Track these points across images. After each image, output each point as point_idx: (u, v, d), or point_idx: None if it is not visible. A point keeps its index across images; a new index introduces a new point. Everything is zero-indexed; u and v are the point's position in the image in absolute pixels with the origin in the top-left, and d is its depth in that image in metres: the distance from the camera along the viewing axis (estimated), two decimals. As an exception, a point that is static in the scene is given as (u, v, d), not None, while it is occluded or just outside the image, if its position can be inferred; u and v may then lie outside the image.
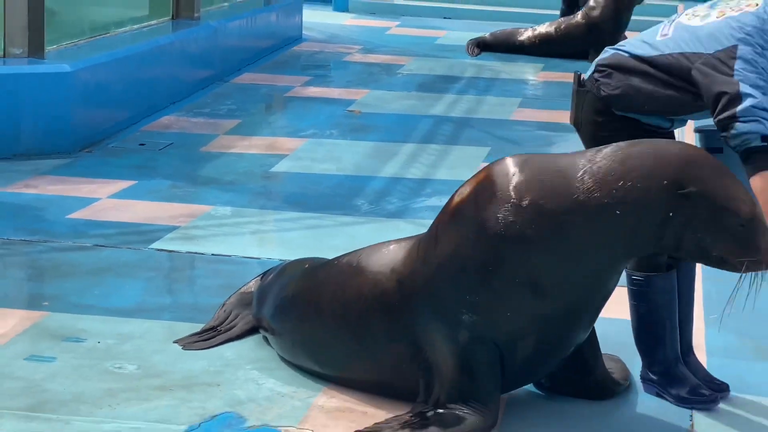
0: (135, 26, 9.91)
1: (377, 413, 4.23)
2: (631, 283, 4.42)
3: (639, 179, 3.84)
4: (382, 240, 4.55)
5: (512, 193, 3.96)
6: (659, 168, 3.86)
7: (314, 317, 4.46)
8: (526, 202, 3.93)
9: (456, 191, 4.17)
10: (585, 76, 4.42)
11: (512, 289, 3.97)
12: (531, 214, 3.92)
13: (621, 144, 3.96)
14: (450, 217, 4.13)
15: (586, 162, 3.93)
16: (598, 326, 4.33)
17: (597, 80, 4.35)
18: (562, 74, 11.66)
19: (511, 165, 4.03)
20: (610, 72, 4.32)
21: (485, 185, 4.05)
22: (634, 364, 4.61)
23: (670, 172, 3.84)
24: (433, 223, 4.23)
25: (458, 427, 4.00)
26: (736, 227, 3.80)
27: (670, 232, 3.85)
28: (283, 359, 4.66)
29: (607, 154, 3.94)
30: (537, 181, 3.96)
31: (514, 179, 3.98)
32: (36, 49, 8.01)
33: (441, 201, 6.99)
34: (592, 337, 4.34)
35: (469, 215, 4.05)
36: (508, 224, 3.94)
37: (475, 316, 4.00)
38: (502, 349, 4.05)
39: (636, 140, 4.01)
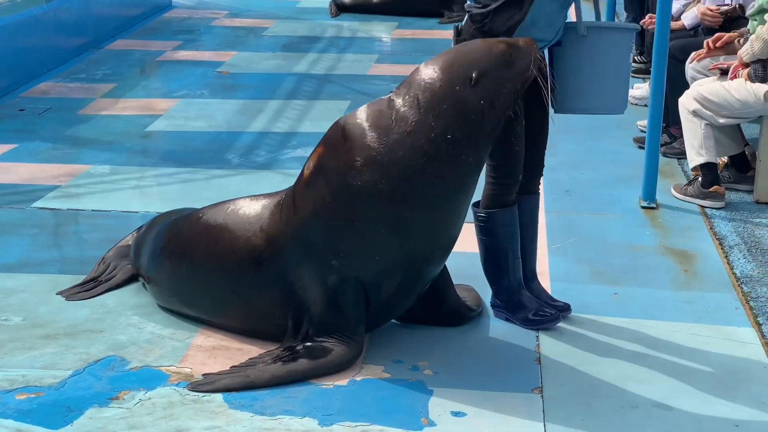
0: (9, -2, 9.59)
1: (252, 349, 4.20)
2: (477, 219, 4.46)
3: (448, 99, 3.90)
4: (254, 190, 4.48)
5: (352, 152, 3.96)
6: (452, 78, 3.92)
7: (188, 268, 4.40)
8: (365, 156, 3.93)
9: (311, 153, 4.15)
10: (460, 25, 4.38)
11: (374, 236, 3.97)
12: (374, 167, 3.92)
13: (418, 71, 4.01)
14: (306, 178, 4.11)
15: (397, 100, 3.98)
16: (454, 259, 4.37)
17: (476, 18, 4.29)
18: (415, 31, 11.67)
19: (348, 124, 4.02)
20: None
21: (330, 147, 4.04)
22: (486, 294, 4.66)
23: (461, 75, 3.92)
24: (294, 184, 4.21)
25: (326, 358, 4.00)
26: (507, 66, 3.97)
27: (490, 119, 3.94)
28: (160, 306, 4.59)
29: (410, 82, 3.99)
30: (368, 134, 3.95)
31: (351, 139, 3.97)
32: None
33: (306, 152, 7.01)
34: (443, 269, 4.37)
35: (322, 176, 4.04)
36: (357, 179, 3.94)
37: (343, 261, 4.00)
38: (368, 288, 4.06)
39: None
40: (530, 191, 4.56)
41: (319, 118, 7.96)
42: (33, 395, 3.83)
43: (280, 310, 4.16)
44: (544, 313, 4.46)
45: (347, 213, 3.96)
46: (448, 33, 11.59)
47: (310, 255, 4.05)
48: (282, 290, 4.13)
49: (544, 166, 4.60)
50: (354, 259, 4.01)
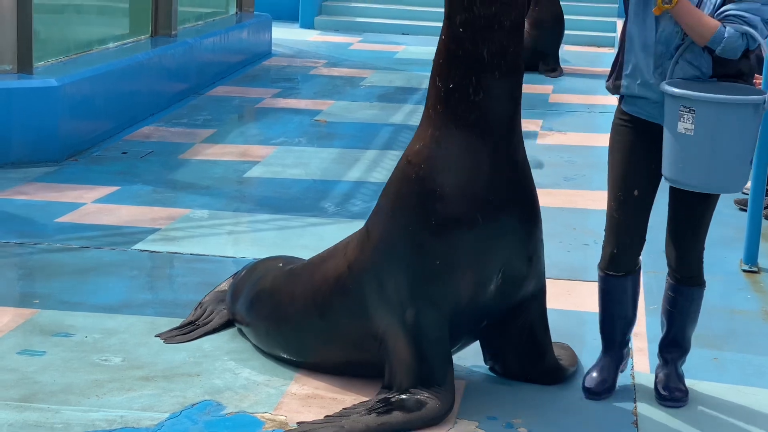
0: (117, 43, 9.83)
1: (346, 399, 4.21)
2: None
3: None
4: (348, 239, 4.53)
5: (424, 186, 4.06)
6: None
7: (288, 304, 4.46)
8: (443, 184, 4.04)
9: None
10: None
11: (446, 266, 3.99)
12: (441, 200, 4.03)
13: None
14: (378, 207, 4.25)
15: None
16: (551, 317, 4.33)
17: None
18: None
19: (414, 158, 4.11)
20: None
21: (400, 181, 4.15)
22: (582, 352, 4.61)
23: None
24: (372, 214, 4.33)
25: (419, 412, 3.99)
26: None
27: None
28: (257, 349, 4.63)
29: None
30: (438, 172, 4.06)
31: (420, 172, 4.10)
32: (25, 65, 7.92)
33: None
34: (544, 325, 4.34)
35: (393, 208, 4.15)
36: (427, 212, 4.01)
37: (416, 295, 4.02)
38: (448, 319, 4.08)
39: None
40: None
41: (414, 170, 7.99)
42: (131, 436, 3.89)
43: (371, 342, 4.17)
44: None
45: (424, 241, 3.99)
46: (543, 87, 11.59)
47: (382, 288, 4.10)
48: (369, 319, 4.16)
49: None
50: (432, 289, 4.02)
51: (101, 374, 4.38)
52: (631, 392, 4.39)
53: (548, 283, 4.45)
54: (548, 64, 12.40)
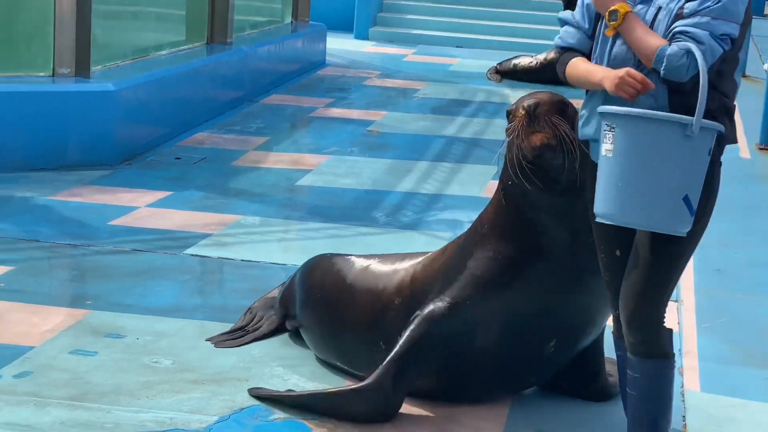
0: (173, 49, 9.95)
1: (393, 408, 4.21)
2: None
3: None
4: (399, 249, 4.54)
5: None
6: None
7: (340, 313, 4.51)
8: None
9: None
10: None
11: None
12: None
13: None
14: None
15: None
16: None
17: None
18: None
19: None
20: None
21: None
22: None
23: None
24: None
25: (345, 387, 4.20)
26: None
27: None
28: (314, 354, 4.67)
29: None
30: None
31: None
32: (82, 70, 8.03)
33: (452, 215, 7.07)
34: (599, 349, 4.35)
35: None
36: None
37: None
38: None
39: None
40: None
41: (466, 182, 8.01)
42: (180, 438, 3.93)
43: None
44: None
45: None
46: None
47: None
48: None
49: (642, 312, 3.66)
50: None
51: (151, 376, 4.43)
52: (681, 410, 4.37)
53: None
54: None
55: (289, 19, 13.32)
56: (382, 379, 4.07)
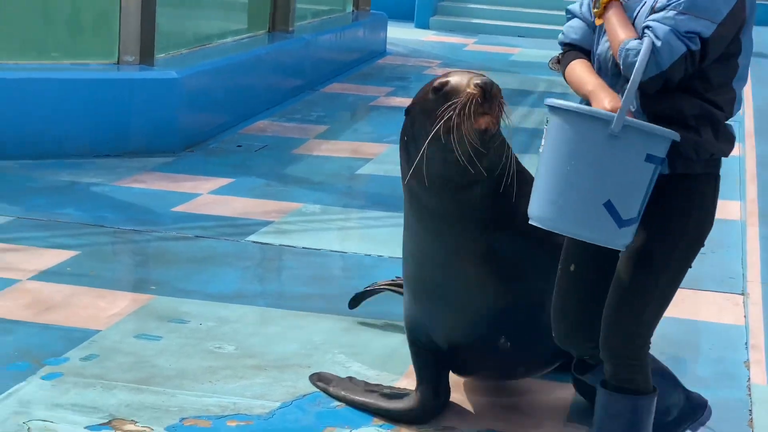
0: (235, 38, 10.02)
1: (454, 397, 4.23)
2: None
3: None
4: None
5: None
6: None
7: None
8: None
9: None
10: None
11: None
12: None
13: None
14: None
15: None
16: (666, 325, 4.29)
17: None
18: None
19: None
20: None
21: None
22: (698, 361, 4.56)
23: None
24: None
25: (388, 403, 4.12)
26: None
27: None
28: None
29: None
30: None
31: None
32: (146, 57, 8.12)
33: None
34: None
35: None
36: None
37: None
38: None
39: None
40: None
41: (527, 172, 7.98)
42: (243, 423, 3.97)
43: None
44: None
45: None
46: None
47: None
48: None
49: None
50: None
51: (215, 361, 4.48)
52: (747, 404, 4.34)
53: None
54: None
55: (350, 8, 13.35)
56: (424, 399, 4.07)
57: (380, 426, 4.02)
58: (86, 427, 3.87)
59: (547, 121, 3.19)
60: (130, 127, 7.84)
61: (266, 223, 6.48)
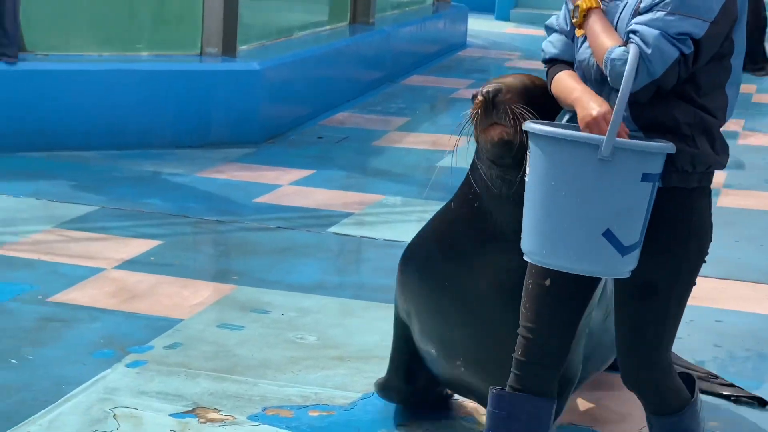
0: (316, 30, 10.06)
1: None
2: None
3: None
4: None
5: None
6: None
7: None
8: None
9: None
10: None
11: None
12: None
13: None
14: None
15: None
16: (752, 321, 4.23)
17: None
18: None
19: None
20: None
21: None
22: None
23: None
24: None
25: None
26: None
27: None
28: None
29: None
30: None
31: None
32: (229, 49, 8.19)
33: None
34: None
35: None
36: None
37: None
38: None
39: None
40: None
41: (610, 165, 7.89)
42: (325, 413, 3.98)
43: None
44: None
45: None
46: (746, 86, 11.25)
47: None
48: None
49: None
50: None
51: (297, 352, 4.50)
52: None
53: (748, 287, 4.31)
54: (755, 62, 12.04)
55: (431, 0, 13.32)
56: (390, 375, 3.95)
57: (463, 419, 4.00)
58: (170, 415, 3.91)
59: (528, 147, 2.96)
60: (212, 119, 7.91)
61: (347, 215, 6.50)
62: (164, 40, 8.21)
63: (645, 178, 2.82)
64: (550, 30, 3.22)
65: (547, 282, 3.06)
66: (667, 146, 2.86)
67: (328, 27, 10.29)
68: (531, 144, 2.94)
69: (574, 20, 3.03)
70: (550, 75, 3.16)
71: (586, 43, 3.02)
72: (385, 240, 6.08)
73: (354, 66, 9.97)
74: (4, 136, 7.33)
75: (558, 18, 3.20)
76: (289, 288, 5.26)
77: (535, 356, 3.09)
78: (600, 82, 3.00)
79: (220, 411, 3.96)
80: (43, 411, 3.88)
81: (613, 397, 4.22)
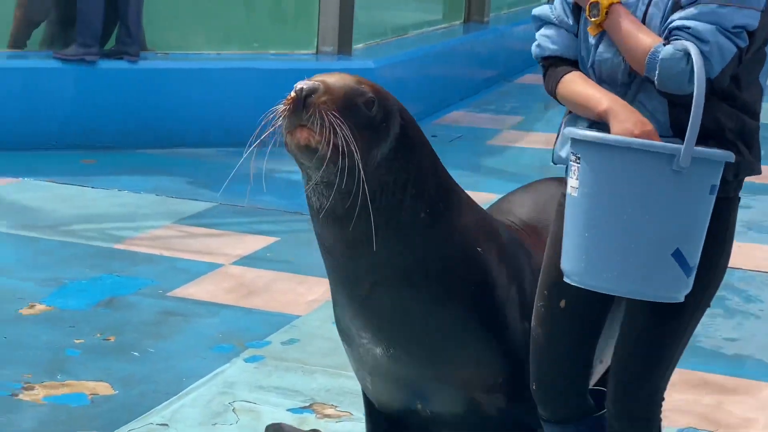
0: (430, 28, 10.07)
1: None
2: None
3: None
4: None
5: None
6: None
7: None
8: None
9: None
10: None
11: None
12: None
13: None
14: None
15: None
16: None
17: None
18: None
19: None
20: None
21: None
22: None
23: None
24: None
25: None
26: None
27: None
28: None
29: None
30: None
31: None
32: (344, 48, 8.24)
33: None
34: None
35: None
36: None
37: None
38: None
39: None
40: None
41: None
42: (441, 412, 3.98)
43: None
44: None
45: None
46: None
47: None
48: None
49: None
50: None
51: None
52: None
53: None
54: None
55: (544, -1, 13.24)
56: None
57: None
58: (288, 410, 3.95)
59: (574, 157, 2.60)
60: (326, 117, 7.96)
61: (461, 214, 6.48)
62: (281, 39, 8.30)
63: (712, 190, 2.57)
64: (541, 21, 2.84)
65: (563, 304, 2.80)
66: (729, 154, 2.59)
67: (442, 25, 10.30)
68: (583, 156, 2.58)
69: (592, 18, 2.69)
70: (552, 76, 2.82)
71: (605, 42, 2.70)
72: (499, 239, 6.05)
73: (468, 65, 9.95)
74: (125, 134, 7.50)
75: (553, 8, 2.82)
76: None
77: (559, 384, 2.86)
78: (626, 84, 2.70)
79: (337, 407, 3.98)
80: (165, 403, 3.96)
81: (736, 401, 4.13)
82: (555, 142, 2.86)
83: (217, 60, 7.89)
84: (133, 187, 6.71)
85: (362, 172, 2.80)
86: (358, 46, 8.49)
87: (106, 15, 7.50)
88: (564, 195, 2.72)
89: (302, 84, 2.84)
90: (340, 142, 2.76)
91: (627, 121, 2.58)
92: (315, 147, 2.80)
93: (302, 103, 2.80)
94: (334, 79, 2.88)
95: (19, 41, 7.78)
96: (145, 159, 7.34)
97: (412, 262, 2.92)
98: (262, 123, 2.95)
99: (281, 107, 2.86)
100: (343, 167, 2.79)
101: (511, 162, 7.83)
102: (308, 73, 8.90)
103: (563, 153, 2.76)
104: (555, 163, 2.82)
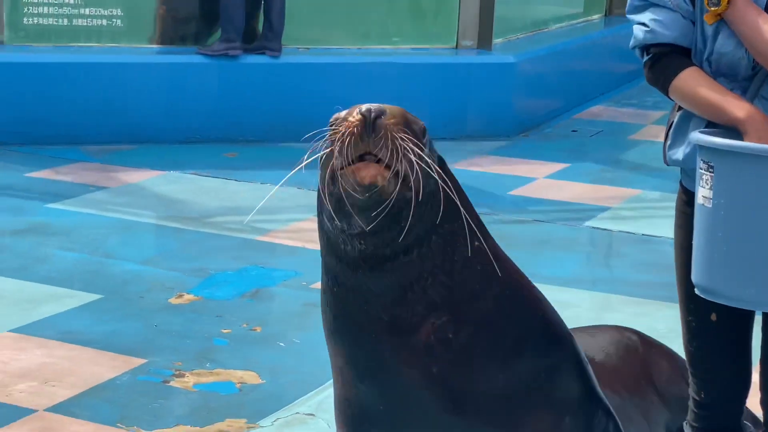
0: (571, 22, 9.96)
1: None
2: None
3: None
4: None
5: None
6: None
7: None
8: None
9: None
10: None
11: None
12: None
13: None
14: None
15: None
16: None
17: None
18: None
19: None
20: None
21: None
22: None
23: None
24: None
25: None
26: None
27: None
28: None
29: None
30: None
31: None
32: (484, 42, 8.22)
33: None
34: None
35: None
36: None
37: None
38: None
39: None
40: None
41: None
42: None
43: None
44: None
45: None
46: None
47: None
48: None
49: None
50: None
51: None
52: None
53: None
54: None
55: (687, -9, 13.00)
56: None
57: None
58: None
59: (705, 165, 2.46)
60: (467, 111, 7.96)
61: (604, 209, 6.41)
62: (420, 34, 8.31)
63: None
64: (648, 3, 2.62)
65: (713, 317, 2.71)
66: None
67: (583, 19, 10.18)
68: (717, 165, 2.44)
69: (711, 7, 2.52)
70: (667, 67, 2.62)
71: (724, 33, 2.54)
72: (643, 235, 5.96)
73: (608, 59, 9.81)
74: (267, 128, 7.62)
75: None
76: (546, 281, 5.18)
77: (719, 395, 2.79)
78: (747, 79, 2.57)
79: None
80: (311, 393, 4.01)
81: None
82: (665, 140, 2.72)
83: (357, 55, 7.95)
84: (275, 180, 6.74)
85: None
86: (497, 41, 8.45)
87: (249, 11, 7.63)
88: (686, 202, 2.68)
89: (366, 106, 2.40)
90: (410, 169, 2.37)
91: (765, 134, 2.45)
92: (382, 185, 2.39)
93: (372, 126, 2.36)
94: (389, 106, 2.46)
95: (164, 37, 7.97)
96: (286, 152, 7.41)
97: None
98: (312, 149, 2.52)
99: (334, 134, 2.42)
100: (409, 199, 2.40)
101: (654, 157, 7.66)
102: (448, 68, 8.94)
103: (679, 155, 2.64)
104: (669, 164, 2.70)
